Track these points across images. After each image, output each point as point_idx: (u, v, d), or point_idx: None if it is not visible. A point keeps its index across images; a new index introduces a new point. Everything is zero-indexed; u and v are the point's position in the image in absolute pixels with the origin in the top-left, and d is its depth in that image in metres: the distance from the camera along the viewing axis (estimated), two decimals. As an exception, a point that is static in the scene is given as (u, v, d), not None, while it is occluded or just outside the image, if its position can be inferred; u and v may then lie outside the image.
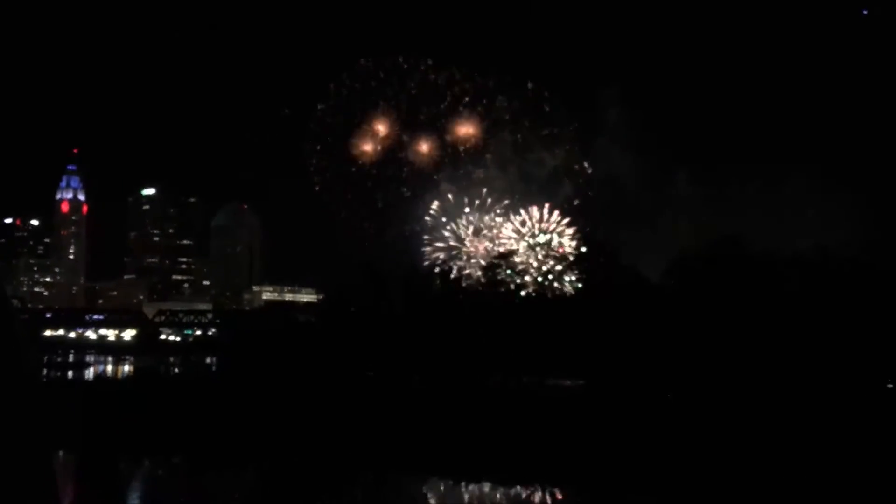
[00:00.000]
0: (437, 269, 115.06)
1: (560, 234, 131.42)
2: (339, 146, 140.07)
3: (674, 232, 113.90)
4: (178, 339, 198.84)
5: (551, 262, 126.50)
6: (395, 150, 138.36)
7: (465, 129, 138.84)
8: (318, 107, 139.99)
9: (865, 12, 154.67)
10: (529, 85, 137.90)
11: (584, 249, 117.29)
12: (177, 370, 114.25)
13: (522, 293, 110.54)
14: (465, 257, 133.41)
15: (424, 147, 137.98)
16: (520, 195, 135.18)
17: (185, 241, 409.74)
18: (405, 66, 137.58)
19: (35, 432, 1.89)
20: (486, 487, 50.25)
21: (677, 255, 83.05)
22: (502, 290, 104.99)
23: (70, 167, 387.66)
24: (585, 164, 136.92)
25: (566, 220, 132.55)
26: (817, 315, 64.39)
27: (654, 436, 51.55)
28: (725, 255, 74.67)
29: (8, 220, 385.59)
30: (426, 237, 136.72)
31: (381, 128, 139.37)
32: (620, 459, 49.02)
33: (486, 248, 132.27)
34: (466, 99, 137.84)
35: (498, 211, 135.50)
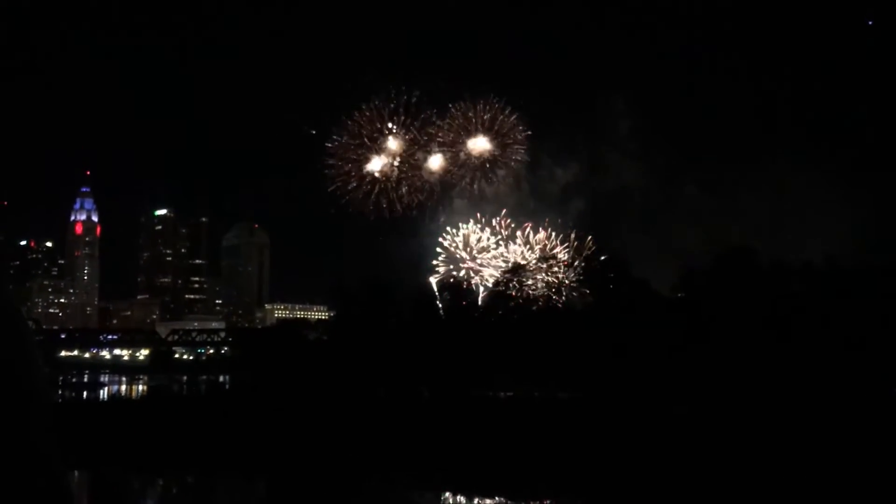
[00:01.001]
0: (447, 284, 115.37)
1: (570, 248, 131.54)
2: (351, 164, 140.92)
3: (683, 240, 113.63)
4: (191, 357, 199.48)
5: (562, 276, 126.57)
6: (407, 168, 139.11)
7: (478, 146, 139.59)
8: (332, 129, 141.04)
9: (871, 23, 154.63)
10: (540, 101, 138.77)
11: (594, 263, 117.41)
12: (190, 388, 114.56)
13: (533, 307, 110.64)
14: (475, 271, 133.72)
15: (437, 165, 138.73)
16: (532, 209, 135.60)
17: (197, 261, 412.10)
18: (417, 93, 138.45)
19: (50, 451, 1.88)
20: (497, 501, 50.30)
21: (687, 268, 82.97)
22: (512, 303, 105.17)
23: (83, 189, 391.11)
24: (596, 178, 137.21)
25: (578, 234, 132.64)
26: (827, 325, 64.11)
27: (665, 449, 51.49)
28: (735, 267, 74.56)
29: (22, 242, 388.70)
30: (437, 251, 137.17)
31: (394, 146, 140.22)
32: (633, 473, 48.98)
33: (496, 263, 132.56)
34: (476, 120, 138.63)
35: (510, 225, 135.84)
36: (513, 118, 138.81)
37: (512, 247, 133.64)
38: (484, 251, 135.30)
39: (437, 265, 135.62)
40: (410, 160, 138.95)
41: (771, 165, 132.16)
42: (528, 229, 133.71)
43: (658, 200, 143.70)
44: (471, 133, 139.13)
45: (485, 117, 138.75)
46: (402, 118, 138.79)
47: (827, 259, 75.09)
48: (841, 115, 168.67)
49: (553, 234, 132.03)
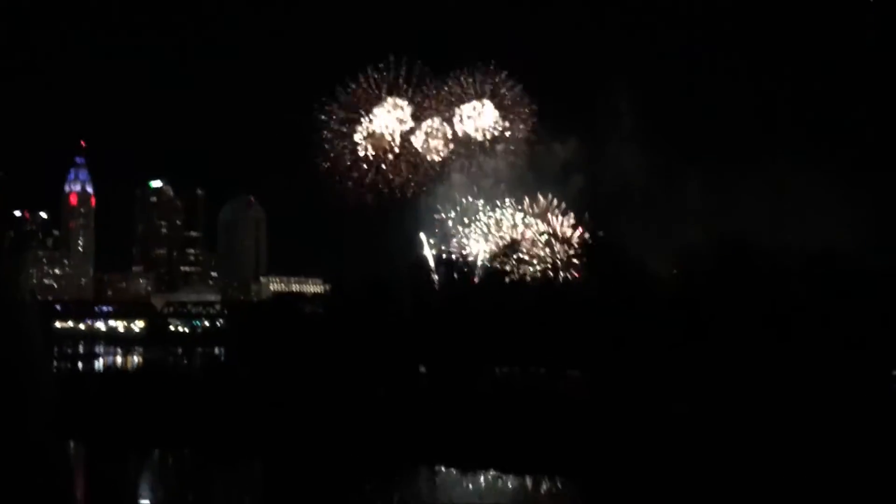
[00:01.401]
0: (443, 259, 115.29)
1: (568, 225, 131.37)
2: (348, 139, 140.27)
3: (683, 239, 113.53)
4: (186, 329, 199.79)
5: (558, 252, 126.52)
6: (405, 143, 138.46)
7: (478, 121, 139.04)
8: (323, 98, 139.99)
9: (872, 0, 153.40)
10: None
11: (591, 240, 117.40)
12: (185, 362, 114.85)
13: (528, 278, 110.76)
14: (472, 247, 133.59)
15: (435, 140, 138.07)
16: (530, 186, 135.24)
17: (192, 233, 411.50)
18: (417, 66, 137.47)
19: (49, 447, 1.89)
20: (492, 475, 50.63)
21: (686, 266, 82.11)
22: (509, 279, 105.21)
23: (78, 160, 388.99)
24: (596, 175, 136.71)
25: (574, 213, 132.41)
26: (826, 324, 63.98)
27: (660, 430, 51.68)
28: (734, 265, 74.15)
29: (17, 213, 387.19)
30: (434, 224, 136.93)
31: (392, 121, 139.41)
32: (627, 453, 49.23)
33: (493, 238, 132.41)
34: (477, 93, 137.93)
35: (507, 202, 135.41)
36: (516, 89, 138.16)
37: (510, 221, 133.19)
38: (481, 226, 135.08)
39: (434, 240, 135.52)
40: (409, 135, 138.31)
41: (771, 164, 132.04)
42: (528, 205, 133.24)
43: (658, 199, 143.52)
44: (472, 110, 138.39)
45: (486, 87, 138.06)
46: (403, 86, 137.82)
47: (827, 259, 74.89)
48: (841, 115, 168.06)
49: (554, 201, 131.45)
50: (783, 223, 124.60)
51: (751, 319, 65.63)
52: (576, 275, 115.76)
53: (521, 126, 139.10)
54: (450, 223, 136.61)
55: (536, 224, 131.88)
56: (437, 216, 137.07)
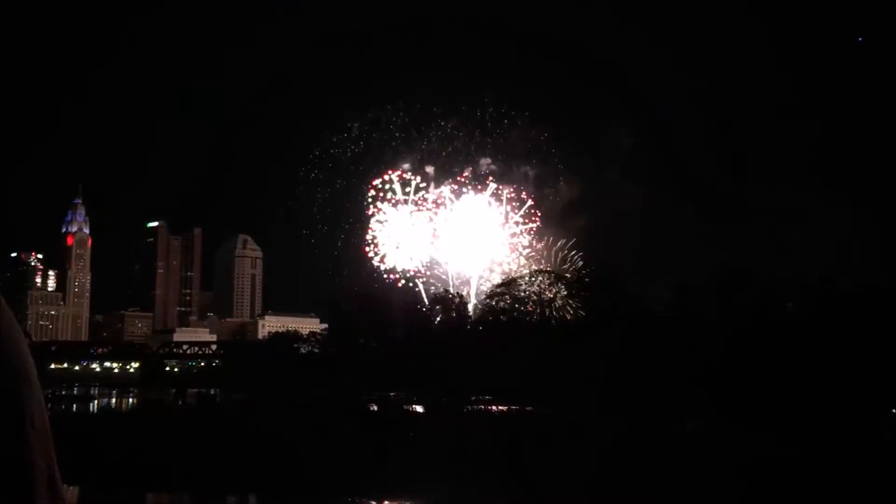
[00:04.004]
0: (438, 297, 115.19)
1: (567, 263, 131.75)
2: (353, 184, 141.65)
3: (681, 261, 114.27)
4: (182, 370, 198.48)
5: (555, 290, 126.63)
6: (408, 185, 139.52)
7: (483, 163, 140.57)
8: (314, 153, 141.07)
9: (861, 40, 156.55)
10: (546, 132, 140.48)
11: (588, 279, 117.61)
12: (180, 402, 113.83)
13: (525, 317, 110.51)
14: (470, 285, 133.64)
15: (439, 185, 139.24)
16: (533, 225, 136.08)
17: (188, 273, 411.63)
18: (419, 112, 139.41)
19: (38, 464, 1.86)
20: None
21: (681, 284, 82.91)
22: (503, 318, 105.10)
23: (75, 201, 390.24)
24: (597, 200, 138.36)
25: (574, 250, 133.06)
26: (823, 342, 64.05)
27: (668, 466, 51.17)
28: (730, 285, 74.54)
29: (13, 255, 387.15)
30: (435, 264, 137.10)
31: (399, 164, 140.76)
32: (637, 491, 48.67)
33: (491, 276, 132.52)
34: (479, 135, 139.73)
35: (508, 240, 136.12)
36: (520, 126, 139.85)
37: (509, 260, 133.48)
38: (479, 264, 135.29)
39: (432, 279, 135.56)
40: (414, 176, 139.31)
41: (771, 189, 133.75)
42: (527, 244, 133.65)
43: (658, 222, 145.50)
44: (477, 151, 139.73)
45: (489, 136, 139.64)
46: (406, 140, 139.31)
47: (823, 280, 75.28)
48: (843, 137, 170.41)
49: (552, 239, 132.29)
50: (781, 245, 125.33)
51: (745, 337, 65.76)
52: (576, 308, 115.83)
53: (526, 167, 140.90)
54: (449, 263, 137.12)
55: (534, 262, 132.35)
56: (436, 256, 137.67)
